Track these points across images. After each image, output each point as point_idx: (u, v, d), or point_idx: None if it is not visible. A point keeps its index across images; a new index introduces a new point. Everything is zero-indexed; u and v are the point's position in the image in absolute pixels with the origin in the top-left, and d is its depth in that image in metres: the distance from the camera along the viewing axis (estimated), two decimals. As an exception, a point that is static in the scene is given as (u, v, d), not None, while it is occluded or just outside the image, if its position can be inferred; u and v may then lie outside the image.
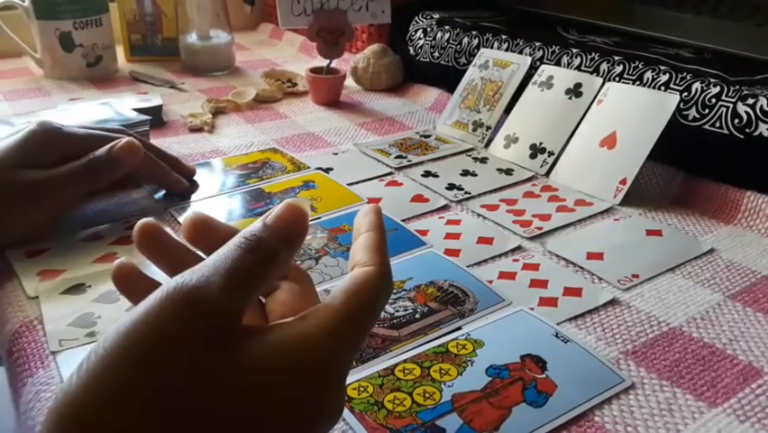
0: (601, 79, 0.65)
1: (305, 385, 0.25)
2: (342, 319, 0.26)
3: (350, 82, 0.91)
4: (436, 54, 0.86)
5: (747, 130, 0.56)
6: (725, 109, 0.57)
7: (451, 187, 0.61)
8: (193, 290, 0.23)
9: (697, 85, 0.60)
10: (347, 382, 0.37)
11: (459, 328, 0.42)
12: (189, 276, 0.24)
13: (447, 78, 0.82)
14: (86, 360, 0.23)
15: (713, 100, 0.58)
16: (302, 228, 0.27)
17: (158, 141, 0.72)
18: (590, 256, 0.50)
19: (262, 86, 0.89)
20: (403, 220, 0.55)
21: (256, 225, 0.27)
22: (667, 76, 0.62)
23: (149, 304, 0.23)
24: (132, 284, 0.29)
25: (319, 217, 0.55)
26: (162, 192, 0.59)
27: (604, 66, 0.67)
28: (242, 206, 0.57)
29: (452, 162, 0.67)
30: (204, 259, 0.26)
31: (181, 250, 0.30)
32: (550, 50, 0.73)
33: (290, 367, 0.25)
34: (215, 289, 0.24)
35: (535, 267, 0.48)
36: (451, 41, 0.84)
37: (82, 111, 0.71)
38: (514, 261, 0.49)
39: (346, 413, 0.35)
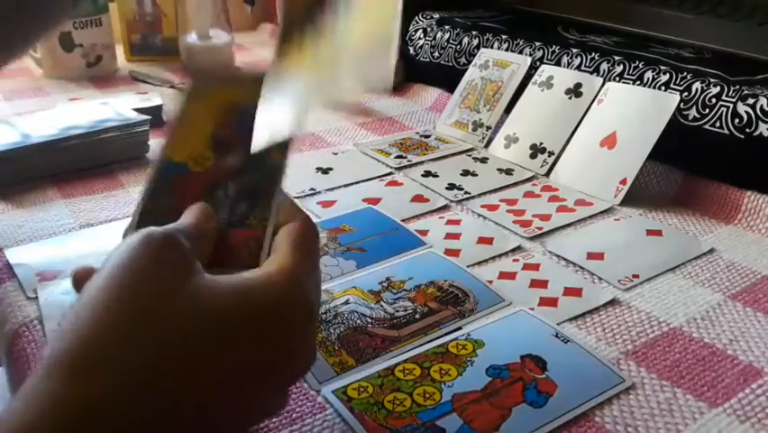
0: (601, 79, 0.65)
1: (268, 314, 0.27)
2: (295, 261, 0.29)
3: (350, 82, 0.90)
4: (436, 54, 0.86)
5: (747, 130, 0.56)
6: (725, 109, 0.57)
7: (451, 187, 0.61)
8: (146, 233, 0.27)
9: (697, 85, 0.60)
10: (347, 382, 0.37)
11: (459, 328, 0.41)
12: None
13: (447, 78, 0.82)
14: (77, 312, 0.25)
15: (713, 100, 0.58)
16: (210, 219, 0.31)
17: (157, 141, 0.72)
18: (591, 256, 0.50)
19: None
20: (403, 220, 0.55)
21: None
22: (667, 76, 0.62)
23: (116, 252, 0.27)
24: None
25: (319, 217, 0.55)
26: None
27: (604, 66, 0.67)
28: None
29: (452, 162, 0.67)
30: None
31: None
32: (550, 49, 0.73)
33: (259, 295, 0.27)
34: (161, 232, 0.28)
35: (536, 267, 0.48)
36: (451, 41, 0.84)
37: (82, 111, 0.71)
38: (514, 261, 0.49)
39: (346, 413, 0.35)
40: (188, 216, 0.31)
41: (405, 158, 0.67)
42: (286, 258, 0.29)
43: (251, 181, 0.33)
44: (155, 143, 0.70)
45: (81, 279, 0.30)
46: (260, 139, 0.33)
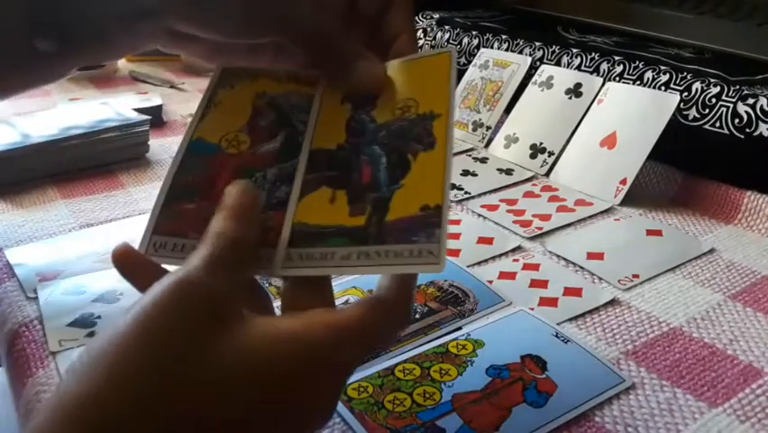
0: (601, 79, 0.65)
1: (295, 376, 0.26)
2: (344, 329, 0.27)
3: (350, 82, 0.90)
4: (436, 54, 0.86)
5: (747, 130, 0.56)
6: (725, 109, 0.57)
7: (451, 187, 0.61)
8: (183, 278, 0.26)
9: (697, 85, 0.60)
10: (347, 382, 0.37)
11: (459, 328, 0.41)
12: (183, 267, 0.26)
13: (447, 77, 0.82)
14: (90, 353, 0.24)
15: (713, 100, 0.58)
16: (253, 201, 0.30)
17: (157, 141, 0.72)
18: (591, 256, 0.50)
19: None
20: (403, 220, 0.55)
21: (218, 215, 0.29)
22: (667, 76, 0.62)
23: (149, 297, 0.25)
24: (134, 266, 0.30)
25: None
26: None
27: (604, 66, 0.67)
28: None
29: (452, 162, 0.67)
30: None
31: (156, 272, 0.30)
32: (550, 49, 0.73)
33: (287, 352, 0.26)
34: (202, 275, 0.26)
35: (536, 267, 0.48)
36: (451, 41, 0.84)
37: (82, 111, 0.71)
38: (514, 261, 0.49)
39: (346, 414, 0.35)
40: (226, 215, 0.29)
41: (405, 158, 0.67)
42: (338, 321, 0.27)
43: (291, 167, 0.33)
44: (155, 143, 0.70)
45: (122, 257, 0.29)
46: (300, 128, 0.34)
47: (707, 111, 0.58)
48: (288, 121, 0.35)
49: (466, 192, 0.60)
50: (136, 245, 0.31)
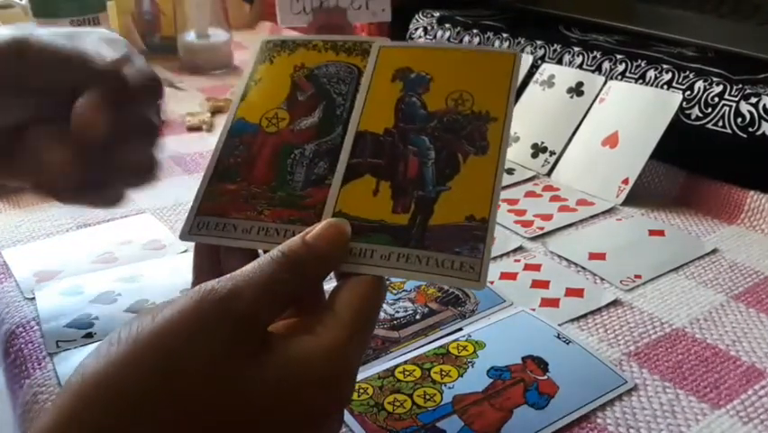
0: (603, 78, 0.65)
1: (317, 399, 0.26)
2: (352, 335, 0.27)
3: (350, 81, 0.90)
4: (437, 53, 0.85)
5: (750, 129, 0.55)
6: (728, 108, 0.57)
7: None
8: (225, 299, 0.24)
9: (699, 84, 0.59)
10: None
11: (460, 329, 0.41)
12: (225, 283, 0.25)
13: (448, 76, 0.82)
14: (116, 342, 0.24)
15: (716, 99, 0.58)
16: (342, 249, 0.28)
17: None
18: (592, 256, 0.49)
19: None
20: (403, 220, 0.54)
21: (296, 241, 0.27)
22: (670, 75, 0.62)
23: (183, 304, 0.24)
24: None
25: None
26: None
27: (606, 64, 0.67)
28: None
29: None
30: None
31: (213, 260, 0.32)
32: (551, 48, 0.73)
33: (306, 383, 0.25)
34: (246, 301, 0.25)
35: (537, 267, 0.48)
36: (451, 40, 0.84)
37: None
38: (515, 261, 0.49)
39: (346, 415, 0.34)
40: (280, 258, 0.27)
41: (405, 157, 0.67)
42: (342, 331, 0.26)
43: (329, 143, 0.33)
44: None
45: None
46: (338, 101, 0.34)
47: (709, 110, 0.58)
48: (327, 93, 0.35)
49: (467, 192, 0.60)
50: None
